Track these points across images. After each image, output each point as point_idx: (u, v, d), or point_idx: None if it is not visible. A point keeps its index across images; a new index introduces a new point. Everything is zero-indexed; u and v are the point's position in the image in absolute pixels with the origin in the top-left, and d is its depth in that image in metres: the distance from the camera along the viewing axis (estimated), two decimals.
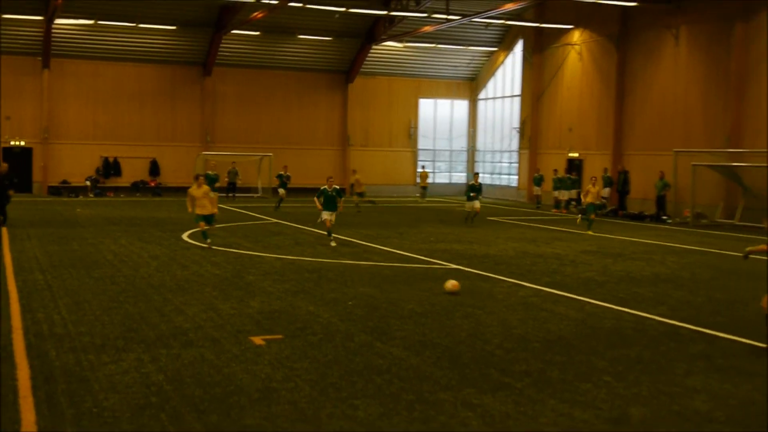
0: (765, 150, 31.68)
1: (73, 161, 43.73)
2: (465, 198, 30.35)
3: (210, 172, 29.67)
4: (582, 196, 29.87)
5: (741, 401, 8.70)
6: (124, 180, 44.94)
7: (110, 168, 44.77)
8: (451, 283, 15.06)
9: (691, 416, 8.16)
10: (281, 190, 35.94)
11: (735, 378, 9.59)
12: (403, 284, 15.97)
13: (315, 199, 22.53)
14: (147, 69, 45.42)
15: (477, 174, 34.23)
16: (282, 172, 36.95)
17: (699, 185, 32.83)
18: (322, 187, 22.50)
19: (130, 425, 7.53)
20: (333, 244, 21.91)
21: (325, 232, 22.77)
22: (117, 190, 44.20)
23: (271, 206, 35.87)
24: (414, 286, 15.81)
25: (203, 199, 21.33)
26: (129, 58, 44.73)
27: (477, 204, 29.50)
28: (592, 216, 28.05)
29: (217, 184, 34.63)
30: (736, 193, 33.23)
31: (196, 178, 22.89)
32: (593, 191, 28.00)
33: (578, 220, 29.88)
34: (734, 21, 33.11)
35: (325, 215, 22.27)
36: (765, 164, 31.31)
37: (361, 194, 36.38)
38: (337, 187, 22.93)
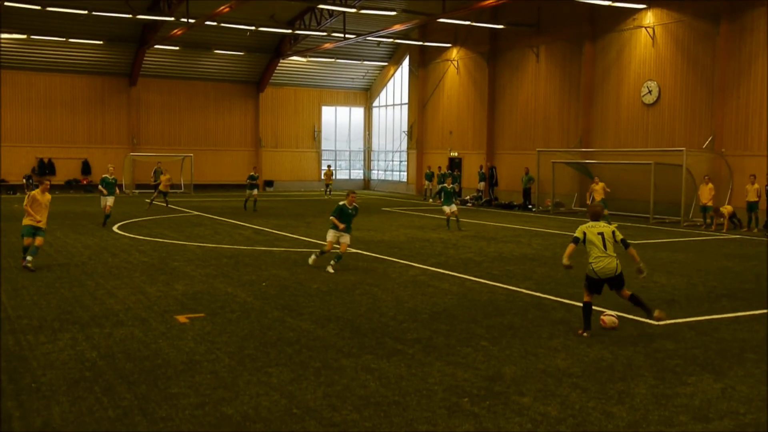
0: (610, 149, 32.80)
1: (10, 161, 41.89)
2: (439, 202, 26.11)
3: (108, 177, 24.62)
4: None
5: (593, 358, 8.97)
6: (59, 178, 43.27)
7: (45, 167, 43.07)
8: None
9: (553, 372, 8.36)
10: (252, 191, 31.49)
11: (588, 339, 9.87)
12: (310, 267, 15.86)
13: (332, 218, 15.68)
14: (77, 79, 43.90)
15: (450, 176, 30.74)
16: (252, 173, 32.50)
17: (558, 179, 33.74)
18: (340, 203, 15.95)
19: (66, 397, 7.27)
20: (331, 270, 15.21)
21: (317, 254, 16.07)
22: (52, 187, 42.33)
23: (193, 201, 35.10)
24: (319, 268, 15.71)
25: (43, 210, 15.16)
26: (61, 69, 43.14)
27: (454, 207, 24.86)
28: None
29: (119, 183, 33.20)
30: (587, 185, 34.26)
31: (40, 183, 15.63)
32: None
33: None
34: (584, 41, 34.08)
35: (331, 236, 15.73)
36: (610, 161, 32.40)
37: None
38: (357, 205, 16.25)
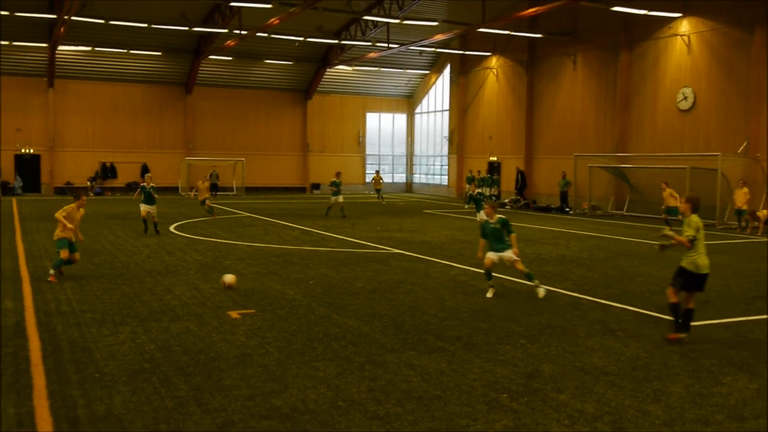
0: (646, 154, 32.29)
1: (75, 166, 42.97)
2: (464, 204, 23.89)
3: (146, 186, 21.54)
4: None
5: (629, 357, 8.83)
6: (119, 181, 44.24)
7: (107, 171, 44.11)
8: (230, 278, 12.84)
9: (590, 370, 8.25)
10: (337, 197, 29.23)
11: (625, 339, 9.73)
12: (355, 266, 15.92)
13: (481, 240, 13.11)
14: (138, 88, 44.75)
15: (473, 180, 29.54)
16: (335, 179, 29.86)
17: (594, 183, 33.31)
18: (481, 221, 13.20)
19: (126, 387, 7.39)
20: (542, 292, 12.58)
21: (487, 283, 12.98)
22: (113, 189, 43.56)
23: (244, 203, 35.48)
24: (364, 267, 15.77)
25: (76, 225, 14.17)
26: (122, 78, 44.02)
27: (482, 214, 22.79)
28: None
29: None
30: (623, 189, 33.81)
31: (78, 197, 14.44)
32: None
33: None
34: (620, 49, 33.60)
35: (490, 255, 12.72)
36: (646, 165, 31.92)
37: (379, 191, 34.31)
38: (502, 216, 12.72)
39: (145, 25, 35.01)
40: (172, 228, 23.51)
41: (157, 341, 9.22)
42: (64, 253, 13.70)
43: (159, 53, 42.53)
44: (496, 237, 12.59)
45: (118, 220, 26.27)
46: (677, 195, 25.93)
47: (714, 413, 6.90)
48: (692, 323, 9.97)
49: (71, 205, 14.17)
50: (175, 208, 32.71)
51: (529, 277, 12.63)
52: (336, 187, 29.36)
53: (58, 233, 13.82)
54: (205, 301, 11.85)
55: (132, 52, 41.62)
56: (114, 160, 44.17)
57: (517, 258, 12.55)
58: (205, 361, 8.36)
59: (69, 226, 13.76)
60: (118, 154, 44.33)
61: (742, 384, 7.81)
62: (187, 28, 36.33)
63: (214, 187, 43.06)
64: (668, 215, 26.03)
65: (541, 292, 12.50)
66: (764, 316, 11.33)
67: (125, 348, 8.88)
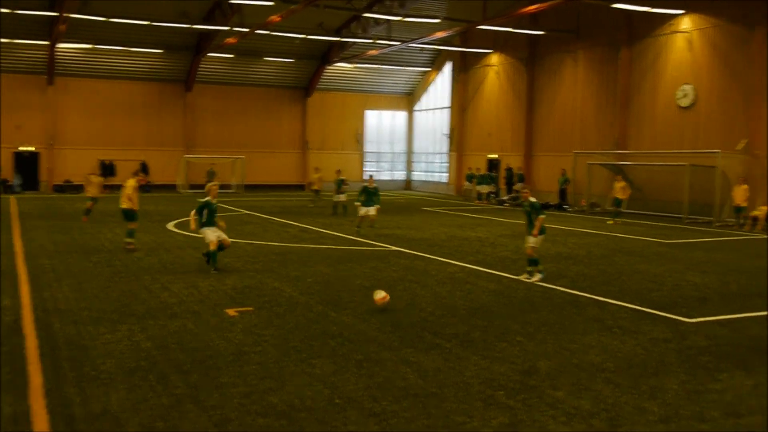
0: (646, 151, 32.28)
1: (74, 163, 42.77)
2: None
3: (212, 200, 15.45)
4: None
5: (626, 354, 8.84)
6: (119, 179, 44.03)
7: (106, 169, 43.91)
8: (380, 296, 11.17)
9: (587, 367, 8.26)
10: (340, 196, 29.04)
11: (622, 336, 9.73)
12: (353, 263, 15.93)
13: (539, 220, 13.90)
14: (137, 86, 44.69)
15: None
16: (337, 177, 29.71)
17: (593, 180, 33.30)
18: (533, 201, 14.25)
19: (123, 385, 7.40)
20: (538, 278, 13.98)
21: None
22: (112, 187, 43.22)
23: (243, 200, 35.46)
24: (362, 264, 15.78)
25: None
26: (122, 76, 43.94)
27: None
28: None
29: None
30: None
31: (136, 173, 18.79)
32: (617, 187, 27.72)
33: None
34: (620, 46, 33.59)
35: (530, 242, 14.07)
36: (645, 163, 31.91)
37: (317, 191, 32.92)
38: (533, 200, 14.24)
39: (146, 22, 35.01)
40: (170, 226, 23.51)
41: (154, 339, 9.23)
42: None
43: (159, 51, 42.48)
44: (528, 219, 14.09)
45: (117, 217, 26.19)
46: (629, 191, 27.97)
47: (710, 409, 6.91)
48: (690, 320, 10.02)
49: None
50: (173, 205, 32.72)
51: (530, 263, 14.04)
52: (339, 186, 29.19)
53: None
54: (203, 299, 11.86)
55: (132, 49, 41.57)
56: (113, 158, 44.11)
57: (533, 244, 13.92)
58: (201, 359, 8.37)
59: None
60: (118, 151, 44.24)
61: (739, 380, 7.82)
62: (187, 26, 36.31)
63: None
64: (615, 206, 27.64)
65: (536, 277, 13.85)
66: (762, 313, 11.33)
67: (122, 346, 8.89)
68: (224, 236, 14.86)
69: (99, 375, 7.72)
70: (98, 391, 7.20)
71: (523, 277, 14.09)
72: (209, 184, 15.60)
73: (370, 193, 21.72)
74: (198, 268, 14.88)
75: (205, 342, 9.12)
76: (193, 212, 14.95)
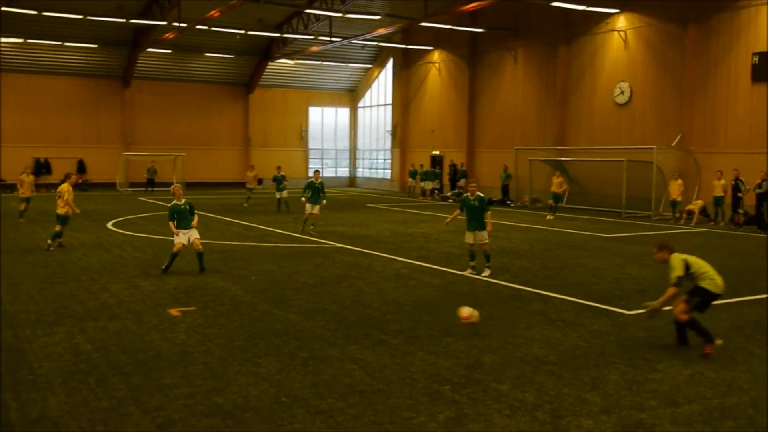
0: (584, 147, 32.95)
1: (7, 161, 41.42)
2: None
3: (179, 204, 14.82)
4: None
5: (568, 347, 9.01)
6: (54, 177, 42.90)
7: (42, 167, 42.76)
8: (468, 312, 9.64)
9: (530, 360, 8.39)
10: (282, 193, 29.24)
11: (564, 329, 9.92)
12: (297, 261, 15.85)
13: (457, 211, 14.45)
14: (73, 81, 43.59)
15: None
16: (276, 173, 29.71)
17: (535, 176, 33.84)
18: (463, 196, 14.84)
19: (61, 389, 7.21)
20: (487, 273, 14.17)
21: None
22: (48, 186, 42.22)
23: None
24: (306, 262, 15.72)
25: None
26: (57, 72, 42.81)
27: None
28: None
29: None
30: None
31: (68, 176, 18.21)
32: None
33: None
34: (559, 44, 34.19)
35: (468, 238, 14.18)
36: (584, 159, 32.56)
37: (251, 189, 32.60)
38: (481, 194, 14.38)
39: (80, 16, 34.12)
40: (109, 225, 23.00)
41: (93, 341, 9.02)
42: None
43: (95, 45, 41.48)
44: (475, 214, 14.02)
45: (53, 217, 25.53)
46: (566, 187, 28.53)
47: (649, 399, 7.09)
48: (631, 312, 10.26)
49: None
50: (112, 205, 32.04)
51: (487, 258, 14.28)
52: (279, 183, 29.15)
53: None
54: (144, 298, 11.64)
55: (67, 44, 40.52)
56: (48, 156, 42.94)
57: (487, 240, 14.14)
58: (144, 360, 8.21)
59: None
60: (53, 149, 43.09)
61: (676, 370, 8.04)
62: (124, 20, 35.52)
63: (151, 183, 42.33)
64: (554, 201, 27.82)
65: (486, 272, 14.10)
66: None
67: (60, 349, 8.66)
68: (195, 238, 14.47)
69: (36, 379, 7.50)
70: (36, 396, 7.00)
71: (467, 272, 14.28)
72: (173, 186, 15.25)
73: (316, 188, 21.53)
74: (139, 268, 14.59)
75: (147, 343, 8.95)
76: (170, 223, 14.42)
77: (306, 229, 21.31)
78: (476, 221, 14.05)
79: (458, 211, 14.39)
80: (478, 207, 14.01)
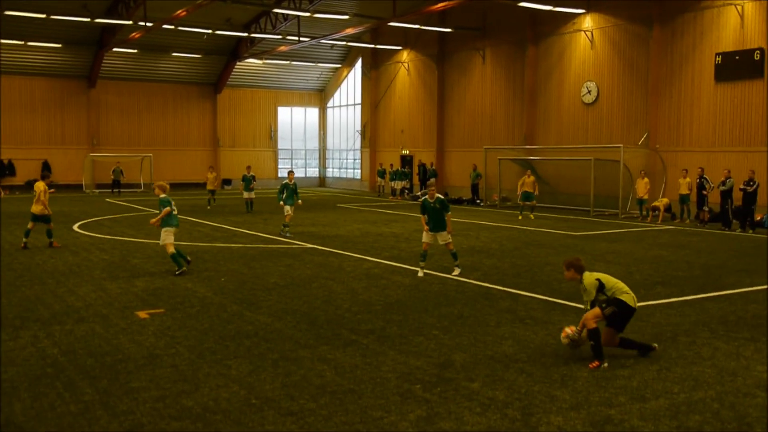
0: (552, 146, 33.24)
1: None
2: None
3: (168, 200, 16.09)
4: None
5: (538, 345, 9.08)
6: (19, 179, 42.30)
7: (5, 168, 42.05)
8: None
9: (501, 358, 8.44)
10: (250, 193, 29.05)
11: (534, 327, 9.99)
12: (267, 261, 15.77)
13: (422, 216, 14.33)
14: (37, 81, 42.93)
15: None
16: (246, 173, 29.32)
17: (504, 175, 34.05)
18: (422, 199, 14.65)
19: (27, 393, 7.10)
20: (456, 272, 14.29)
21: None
22: (12, 188, 41.55)
23: (152, 199, 34.52)
24: (277, 262, 15.65)
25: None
26: (19, 72, 42.10)
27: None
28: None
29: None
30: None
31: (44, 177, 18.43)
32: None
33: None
34: (527, 44, 34.45)
35: (425, 237, 14.21)
36: (552, 158, 32.86)
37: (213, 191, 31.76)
38: (441, 196, 14.35)
39: (44, 16, 33.57)
40: (76, 227, 22.69)
41: (60, 345, 8.89)
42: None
43: (59, 45, 40.84)
44: (436, 216, 14.12)
45: (18, 219, 25.16)
46: (537, 186, 27.63)
47: (618, 395, 7.17)
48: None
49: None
50: (78, 206, 31.61)
51: (455, 257, 14.50)
52: (248, 183, 29.07)
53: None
54: (111, 301, 11.50)
55: (30, 43, 39.83)
56: (12, 157, 42.23)
57: (450, 239, 14.35)
58: (111, 363, 8.11)
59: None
60: (17, 150, 42.39)
61: (644, 366, 8.15)
62: (88, 20, 35.01)
63: (117, 184, 41.87)
64: (525, 201, 27.35)
65: (457, 270, 14.29)
66: (664, 300, 11.85)
67: (26, 353, 8.52)
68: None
69: (1, 384, 7.37)
70: (1, 401, 6.87)
71: (421, 273, 14.06)
72: (156, 184, 15.16)
73: (291, 190, 21.36)
74: (106, 271, 14.41)
75: (115, 346, 8.84)
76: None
77: (284, 231, 20.99)
78: (437, 223, 14.17)
79: (423, 216, 14.31)
80: (438, 209, 14.10)
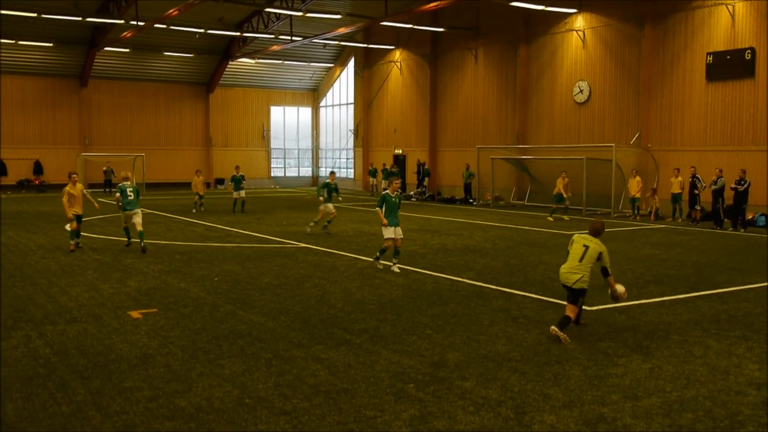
0: (545, 146, 33.30)
1: None
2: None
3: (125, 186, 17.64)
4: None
5: (531, 343, 9.09)
6: (10, 179, 42.11)
7: None
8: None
9: (494, 357, 8.45)
10: (240, 192, 29.00)
11: (527, 326, 10.01)
12: (261, 261, 15.75)
13: (378, 209, 14.74)
14: (28, 81, 42.77)
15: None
16: (235, 173, 29.43)
17: (497, 174, 34.10)
18: (383, 193, 15.10)
19: (19, 394, 7.07)
20: (397, 270, 14.52)
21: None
22: (3, 188, 41.36)
23: (145, 199, 34.43)
24: (270, 262, 15.63)
25: (80, 198, 17.62)
26: (11, 71, 41.91)
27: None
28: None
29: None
30: (524, 180, 34.76)
31: (70, 176, 17.95)
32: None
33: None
34: (519, 44, 34.49)
35: (388, 233, 14.63)
36: (545, 157, 32.91)
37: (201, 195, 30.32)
38: (399, 192, 15.14)
39: (35, 14, 33.43)
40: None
41: (52, 345, 8.86)
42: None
43: (51, 44, 40.69)
44: (395, 211, 14.68)
45: (10, 219, 25.08)
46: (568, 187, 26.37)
47: (610, 393, 7.19)
48: (592, 308, 10.41)
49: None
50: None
51: (396, 253, 14.69)
52: (238, 183, 29.05)
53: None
54: (104, 301, 11.47)
55: (21, 42, 39.65)
56: (3, 157, 42.03)
57: (402, 236, 14.92)
58: (104, 364, 8.09)
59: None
60: (8, 150, 42.19)
61: (636, 365, 8.17)
62: (80, 19, 34.89)
63: (108, 184, 41.75)
64: (557, 203, 26.34)
65: (396, 269, 14.44)
66: (656, 299, 11.89)
67: (18, 353, 8.49)
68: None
69: None
70: None
71: (378, 264, 14.88)
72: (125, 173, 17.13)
73: (331, 189, 21.46)
74: (99, 271, 14.37)
75: (107, 346, 8.82)
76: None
77: (320, 226, 21.37)
78: (396, 217, 14.82)
79: (379, 209, 14.79)
80: (398, 204, 14.86)
